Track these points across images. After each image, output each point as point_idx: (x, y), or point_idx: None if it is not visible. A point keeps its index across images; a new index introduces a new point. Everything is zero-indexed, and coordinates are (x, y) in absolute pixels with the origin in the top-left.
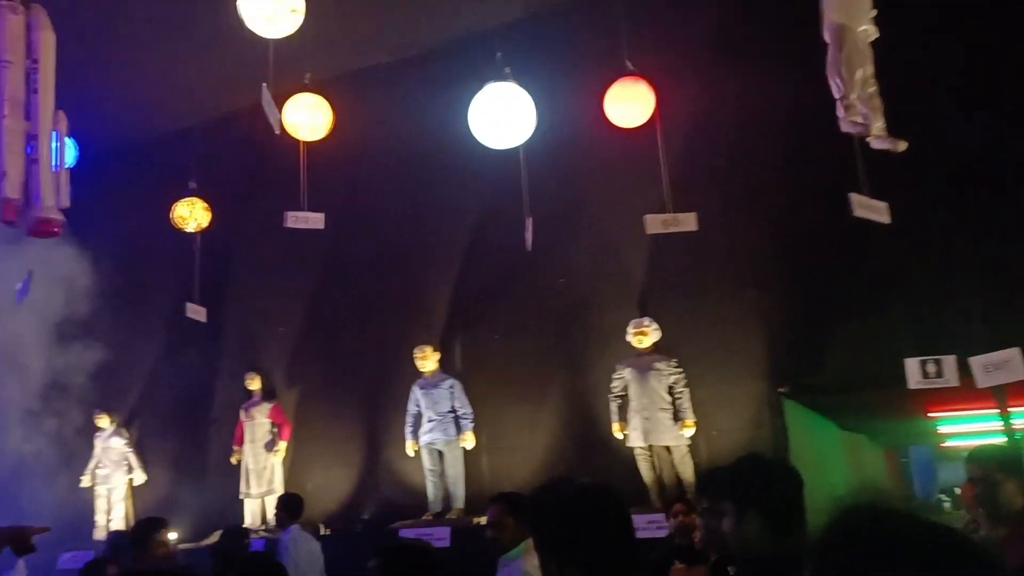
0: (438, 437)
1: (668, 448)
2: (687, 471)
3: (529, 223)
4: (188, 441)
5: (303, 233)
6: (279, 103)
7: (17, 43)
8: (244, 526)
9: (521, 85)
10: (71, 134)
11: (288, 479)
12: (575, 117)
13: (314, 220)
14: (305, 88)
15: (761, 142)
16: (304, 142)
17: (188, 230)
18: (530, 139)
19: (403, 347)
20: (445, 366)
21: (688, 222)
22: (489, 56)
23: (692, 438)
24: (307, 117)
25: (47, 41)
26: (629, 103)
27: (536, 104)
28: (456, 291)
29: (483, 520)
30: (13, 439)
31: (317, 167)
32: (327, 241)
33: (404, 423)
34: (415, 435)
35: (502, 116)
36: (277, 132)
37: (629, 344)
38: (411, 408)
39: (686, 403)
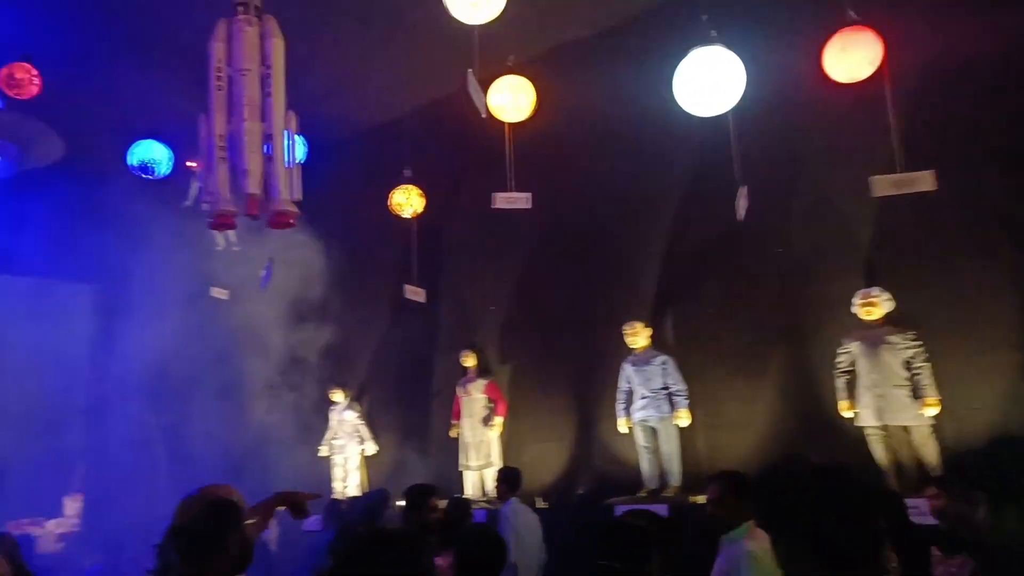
0: (651, 414)
1: (906, 428)
2: (930, 453)
3: (742, 191)
4: (412, 414)
5: (511, 213)
6: (484, 87)
7: (253, 52)
8: (466, 497)
9: (729, 47)
10: (300, 131)
11: (505, 453)
12: (789, 76)
13: (520, 200)
14: (508, 70)
15: (1012, 86)
16: (509, 124)
17: (405, 215)
18: (740, 103)
19: (612, 323)
20: (656, 342)
21: (924, 181)
22: (693, 20)
23: (936, 417)
24: (510, 99)
25: (278, 48)
26: (852, 56)
27: (746, 65)
28: (665, 265)
29: (700, 499)
30: (258, 411)
31: (522, 147)
32: (534, 220)
33: (615, 399)
34: (627, 412)
35: (709, 81)
36: (483, 116)
37: (855, 316)
38: (622, 385)
39: (926, 379)
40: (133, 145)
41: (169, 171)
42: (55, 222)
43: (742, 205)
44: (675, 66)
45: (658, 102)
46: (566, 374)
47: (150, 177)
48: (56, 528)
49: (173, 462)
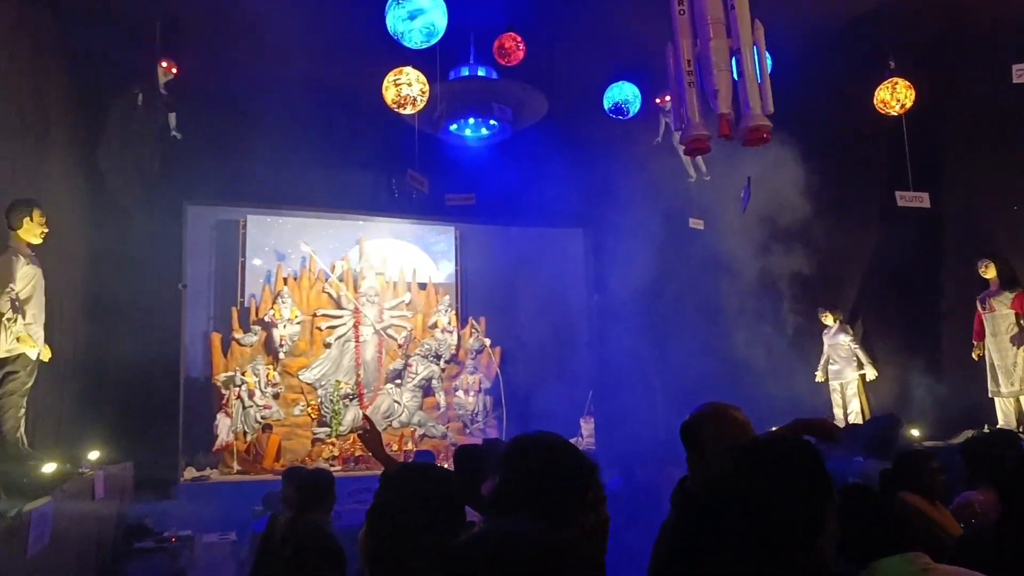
0: None
1: None
2: None
3: None
4: (917, 335)
5: None
6: None
7: None
8: (1000, 427)
9: None
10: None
11: None
12: None
13: None
14: None
15: None
16: None
17: (892, 114)
18: None
19: None
20: None
21: None
22: None
23: None
24: None
25: None
26: None
27: None
28: None
29: None
30: (744, 336)
31: None
32: None
33: None
34: None
35: None
36: None
37: None
38: None
39: None
40: (607, 89)
41: (639, 110)
42: (547, 174)
43: None
44: None
45: None
46: None
47: (623, 118)
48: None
49: (666, 388)
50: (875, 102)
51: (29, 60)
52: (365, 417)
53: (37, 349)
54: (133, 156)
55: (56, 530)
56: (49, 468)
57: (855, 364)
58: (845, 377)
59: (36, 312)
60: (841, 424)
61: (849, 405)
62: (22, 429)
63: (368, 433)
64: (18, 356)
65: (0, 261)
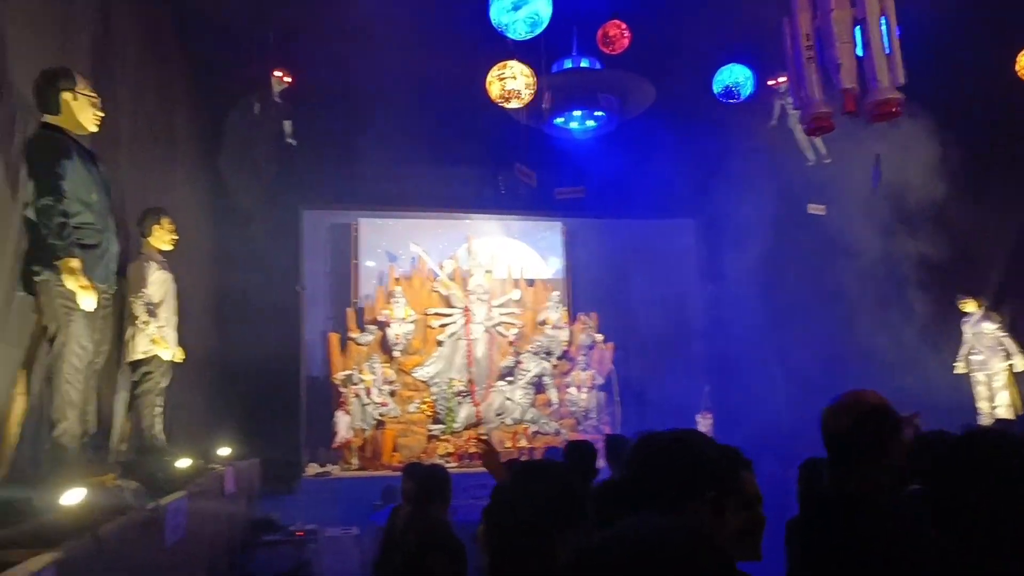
0: None
1: None
2: None
3: None
4: None
5: None
6: None
7: None
8: None
9: None
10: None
11: None
12: None
13: None
14: None
15: None
16: None
17: None
18: None
19: None
20: None
21: None
22: None
23: None
24: None
25: None
26: None
27: None
28: None
29: None
30: (872, 324)
31: None
32: None
33: None
34: None
35: None
36: None
37: None
38: None
39: None
40: (717, 72)
41: (751, 92)
42: (657, 164)
43: None
44: None
45: None
46: None
47: (735, 101)
48: None
49: (788, 380)
50: (1019, 69)
51: (156, 72)
52: (481, 439)
53: (170, 351)
54: (252, 163)
55: (190, 522)
56: (183, 463)
57: (1002, 354)
58: (991, 368)
59: (168, 315)
60: (988, 419)
61: (996, 398)
62: (159, 426)
63: (486, 455)
64: (152, 357)
65: (133, 267)
